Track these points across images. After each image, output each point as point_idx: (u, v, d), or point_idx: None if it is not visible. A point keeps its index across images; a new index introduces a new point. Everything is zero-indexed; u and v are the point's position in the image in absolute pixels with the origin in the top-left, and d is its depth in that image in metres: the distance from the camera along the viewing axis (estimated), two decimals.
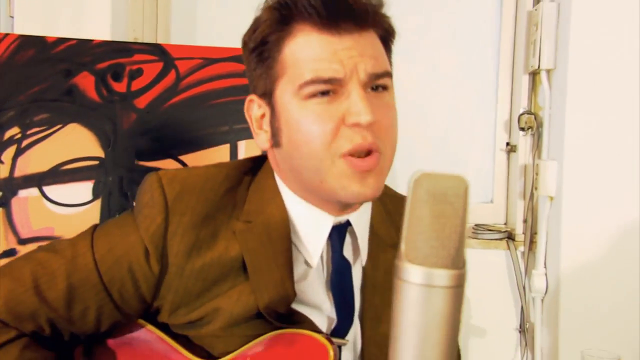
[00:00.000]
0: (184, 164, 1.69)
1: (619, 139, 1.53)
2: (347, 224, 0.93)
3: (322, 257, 0.92)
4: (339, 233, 0.92)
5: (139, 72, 1.64)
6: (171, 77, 1.69)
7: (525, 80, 1.70)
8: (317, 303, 0.91)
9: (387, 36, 0.91)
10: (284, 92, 0.86)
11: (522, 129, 1.69)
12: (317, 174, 0.84)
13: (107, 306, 0.88)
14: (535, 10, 1.65)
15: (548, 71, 1.61)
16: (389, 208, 0.99)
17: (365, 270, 0.94)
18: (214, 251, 0.88)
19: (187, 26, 1.94)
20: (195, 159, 1.69)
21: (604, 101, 1.53)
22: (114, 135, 1.61)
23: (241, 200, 0.91)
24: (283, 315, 0.88)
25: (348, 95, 0.83)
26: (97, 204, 1.59)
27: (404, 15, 1.78)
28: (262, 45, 0.88)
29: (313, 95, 0.83)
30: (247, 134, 1.67)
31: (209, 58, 1.70)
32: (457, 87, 1.81)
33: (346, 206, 0.91)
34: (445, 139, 1.82)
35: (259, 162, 0.97)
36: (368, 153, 0.83)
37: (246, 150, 1.68)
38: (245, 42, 0.92)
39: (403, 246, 0.51)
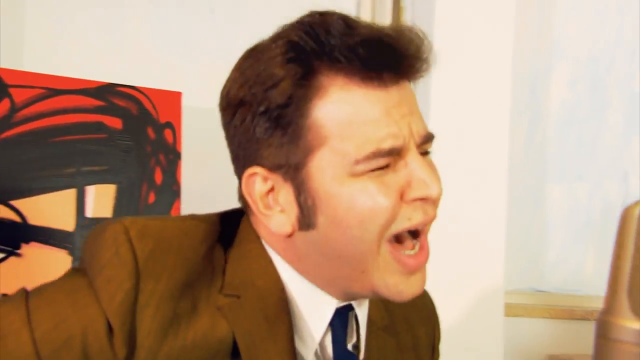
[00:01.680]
0: (17, 211, 1.40)
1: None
2: (349, 308, 0.77)
3: (317, 347, 0.75)
4: (341, 319, 0.76)
5: None
6: (4, 106, 1.40)
7: None
8: None
9: (417, 78, 0.74)
10: (326, 168, 0.68)
11: None
12: (360, 262, 0.69)
13: None
14: None
15: None
16: None
17: None
18: (197, 330, 0.68)
19: (15, 50, 1.65)
20: (32, 205, 1.41)
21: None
22: None
23: (219, 266, 0.72)
24: None
25: (405, 163, 0.69)
26: None
27: None
28: (282, 109, 0.68)
29: (369, 171, 0.67)
30: (97, 178, 1.45)
31: (53, 88, 1.45)
32: None
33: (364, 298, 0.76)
34: None
35: (233, 218, 0.78)
36: (418, 234, 0.71)
37: (96, 196, 1.45)
38: (243, 100, 0.70)
39: (624, 297, 0.46)
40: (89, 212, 1.45)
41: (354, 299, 0.76)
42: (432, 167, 0.71)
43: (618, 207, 2.04)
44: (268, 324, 0.71)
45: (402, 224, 0.69)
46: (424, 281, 0.73)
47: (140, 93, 1.49)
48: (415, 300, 0.89)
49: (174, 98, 1.52)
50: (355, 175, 0.68)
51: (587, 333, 1.82)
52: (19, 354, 0.64)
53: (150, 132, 1.49)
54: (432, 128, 0.73)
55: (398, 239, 0.70)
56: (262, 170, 0.71)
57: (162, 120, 1.50)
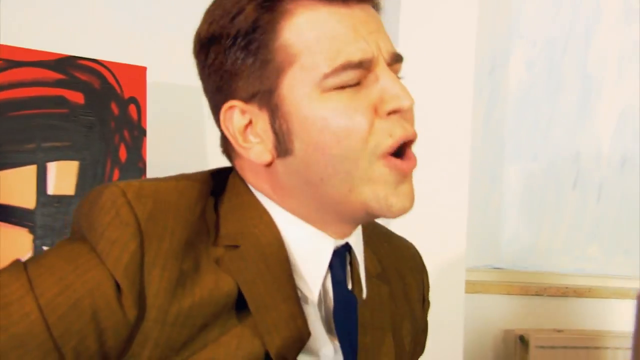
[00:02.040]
0: None
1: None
2: (346, 247, 0.77)
3: (321, 289, 0.75)
4: (340, 259, 0.76)
5: None
6: None
7: None
8: (315, 347, 0.75)
9: (377, 9, 0.76)
10: (296, 87, 0.69)
11: None
12: (347, 180, 0.69)
13: None
14: None
15: None
16: (366, 232, 0.85)
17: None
18: (203, 287, 0.68)
19: None
20: None
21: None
22: None
23: (212, 223, 0.72)
24: None
25: (375, 79, 0.70)
26: None
27: None
28: (251, 34, 0.69)
29: (340, 87, 0.68)
30: (59, 154, 1.41)
31: (11, 60, 1.40)
32: None
33: (354, 226, 0.76)
34: None
35: (223, 176, 0.77)
36: (404, 148, 0.71)
37: (57, 173, 1.41)
38: (214, 35, 0.71)
39: None
40: (51, 190, 1.40)
41: (349, 232, 0.76)
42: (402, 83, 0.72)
43: (570, 186, 2.12)
44: (270, 272, 0.71)
45: (384, 141, 0.69)
46: (412, 195, 0.73)
47: (103, 67, 1.45)
48: (403, 252, 0.92)
49: (139, 73, 1.47)
50: (325, 91, 0.68)
51: (541, 308, 1.90)
52: (24, 323, 0.62)
53: (114, 108, 1.45)
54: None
55: (385, 157, 0.70)
56: (239, 102, 0.71)
57: (127, 95, 1.46)
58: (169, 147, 1.58)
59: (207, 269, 0.69)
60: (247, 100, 0.71)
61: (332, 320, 0.76)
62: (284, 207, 0.74)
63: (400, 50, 0.75)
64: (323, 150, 0.69)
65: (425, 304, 0.94)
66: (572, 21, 2.13)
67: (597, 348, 1.84)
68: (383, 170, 0.70)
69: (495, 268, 1.98)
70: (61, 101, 1.41)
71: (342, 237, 0.76)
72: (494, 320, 1.85)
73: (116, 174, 1.44)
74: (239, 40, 0.70)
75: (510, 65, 2.06)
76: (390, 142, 0.69)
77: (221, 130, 0.75)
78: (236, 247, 0.71)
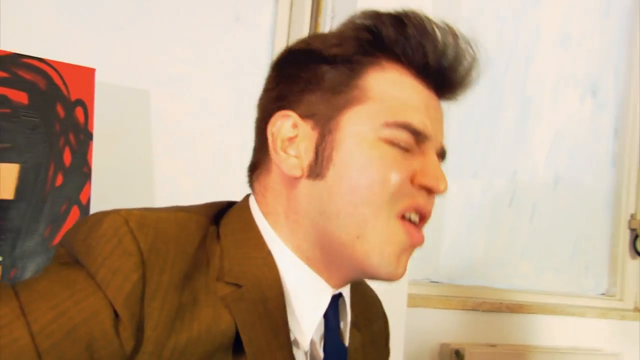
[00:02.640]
0: None
1: None
2: (338, 297, 0.79)
3: (313, 335, 0.75)
4: (334, 308, 0.77)
5: None
6: None
7: None
8: None
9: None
10: (356, 123, 0.73)
11: None
12: (360, 225, 0.71)
13: None
14: None
15: None
16: None
17: None
18: (201, 322, 0.67)
19: None
20: None
21: None
22: None
23: (213, 255, 0.72)
24: None
25: (424, 155, 0.74)
26: None
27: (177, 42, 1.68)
28: (341, 62, 0.74)
29: (393, 142, 0.72)
30: (6, 156, 1.33)
31: None
32: (226, 126, 1.77)
33: (348, 280, 0.77)
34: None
35: (220, 210, 0.78)
36: (418, 223, 0.75)
37: (3, 175, 1.34)
38: (307, 50, 0.76)
39: None
40: None
41: (344, 284, 0.78)
42: None
43: (507, 204, 2.19)
44: (268, 316, 0.71)
45: (405, 201, 0.73)
46: (406, 267, 0.75)
47: (50, 67, 1.38)
48: (368, 299, 0.94)
49: (87, 74, 1.42)
50: (379, 139, 0.72)
51: (476, 323, 1.95)
52: (13, 349, 0.59)
53: (60, 110, 1.39)
54: None
55: (402, 217, 0.74)
56: (295, 115, 0.75)
57: (73, 97, 1.40)
58: (115, 151, 1.53)
59: (206, 302, 0.68)
60: (304, 117, 0.75)
61: None
62: (288, 246, 0.75)
63: None
64: (353, 187, 0.71)
65: (387, 349, 0.96)
66: (514, 43, 2.20)
67: None
68: (398, 229, 0.73)
69: (432, 282, 2.02)
70: (3, 100, 1.34)
71: (338, 287, 0.78)
72: (432, 333, 1.88)
73: (60, 178, 1.38)
74: (328, 61, 0.74)
75: None
76: (409, 202, 0.73)
77: (261, 137, 0.78)
78: (239, 286, 0.70)
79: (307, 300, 0.74)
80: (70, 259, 0.67)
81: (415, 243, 0.74)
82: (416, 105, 0.74)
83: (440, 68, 0.75)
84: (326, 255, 0.75)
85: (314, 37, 0.79)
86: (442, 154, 0.79)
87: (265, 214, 0.76)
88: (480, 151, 2.14)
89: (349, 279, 0.78)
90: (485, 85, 2.16)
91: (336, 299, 0.78)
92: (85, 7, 1.57)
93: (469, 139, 2.12)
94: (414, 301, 1.83)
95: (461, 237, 2.10)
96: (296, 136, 0.75)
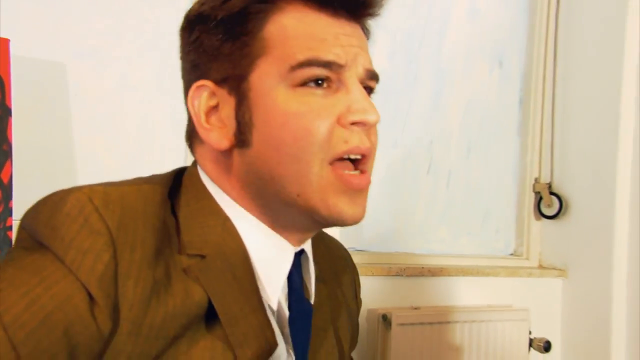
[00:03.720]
0: None
1: None
2: (300, 254, 0.78)
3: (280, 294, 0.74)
4: (296, 267, 0.76)
5: None
6: None
7: None
8: (276, 356, 0.73)
9: (367, 35, 0.78)
10: (266, 76, 0.69)
11: None
12: (296, 183, 0.69)
13: None
14: None
15: None
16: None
17: None
18: (175, 296, 0.65)
19: None
20: None
21: None
22: None
23: (172, 228, 0.69)
24: None
25: (347, 90, 0.70)
26: None
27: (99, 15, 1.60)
28: (238, 17, 0.69)
29: (306, 82, 0.68)
30: None
31: None
32: (149, 101, 1.71)
33: (308, 233, 0.76)
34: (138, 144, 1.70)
35: (174, 179, 0.75)
36: (358, 164, 0.72)
37: None
38: (202, 14, 0.71)
39: None
40: None
41: (304, 239, 0.77)
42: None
43: (424, 172, 2.27)
44: (237, 282, 0.70)
45: (338, 147, 0.69)
46: (364, 207, 0.73)
47: None
48: (336, 252, 0.94)
49: (1, 46, 1.33)
50: (291, 87, 0.69)
51: (401, 288, 2.02)
52: None
53: None
54: None
55: (334, 163, 0.70)
56: (210, 83, 0.72)
57: None
58: (36, 127, 1.45)
59: (177, 277, 0.67)
60: (219, 83, 0.71)
61: (286, 327, 0.76)
62: (243, 206, 0.73)
63: None
64: (278, 147, 0.69)
65: (358, 301, 0.97)
66: (427, 17, 2.26)
67: (448, 322, 1.99)
68: (331, 178, 0.70)
69: (358, 250, 2.06)
70: None
71: (299, 244, 0.77)
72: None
73: None
74: (224, 22, 0.70)
75: (375, 54, 2.14)
76: (343, 148, 0.70)
77: (187, 111, 0.74)
78: (202, 256, 0.69)
79: (271, 261, 0.73)
80: (33, 242, 0.64)
81: (355, 187, 0.71)
82: (322, 38, 0.70)
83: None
84: (279, 214, 0.73)
85: None
86: (372, 77, 0.75)
87: (214, 180, 0.74)
88: (400, 121, 2.20)
89: (308, 233, 0.77)
90: (403, 57, 2.22)
91: (298, 255, 0.77)
92: None
93: (389, 110, 2.16)
94: None
95: (383, 206, 2.16)
96: (217, 104, 0.72)
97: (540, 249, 2.46)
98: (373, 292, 1.95)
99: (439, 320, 1.98)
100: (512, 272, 2.28)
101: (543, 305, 2.30)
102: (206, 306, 0.68)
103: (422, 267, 2.05)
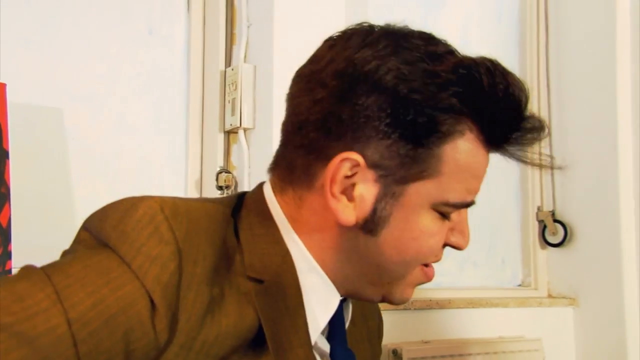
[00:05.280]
0: None
1: None
2: (344, 300, 0.81)
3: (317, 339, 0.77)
4: (340, 311, 0.79)
5: None
6: None
7: (220, 139, 1.73)
8: None
9: None
10: (422, 196, 0.72)
11: (220, 188, 1.70)
12: (391, 277, 0.77)
13: None
14: (232, 70, 1.72)
15: (245, 130, 1.69)
16: None
17: None
18: (229, 317, 0.66)
19: None
20: None
21: None
22: None
23: (233, 250, 0.70)
24: None
25: (458, 212, 0.78)
26: None
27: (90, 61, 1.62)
28: (426, 115, 0.69)
29: (443, 213, 0.75)
30: None
31: None
32: (147, 143, 1.71)
33: None
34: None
35: (236, 202, 0.77)
36: None
37: None
38: (384, 79, 0.68)
39: None
40: None
41: (352, 296, 0.80)
42: None
43: None
44: (289, 314, 0.70)
45: (431, 258, 0.79)
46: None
47: None
48: None
49: None
50: (431, 209, 0.73)
51: (409, 322, 1.98)
52: (49, 337, 0.56)
53: None
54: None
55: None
56: (362, 160, 0.70)
57: None
58: (33, 170, 1.45)
59: (231, 298, 0.67)
60: (372, 165, 0.70)
61: None
62: (309, 251, 0.74)
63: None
64: (400, 252, 0.74)
65: (380, 342, 0.98)
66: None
67: (461, 355, 1.95)
68: (418, 274, 0.79)
69: None
70: None
71: (345, 296, 0.80)
72: None
73: None
74: (410, 105, 0.67)
75: None
76: (433, 260, 0.79)
77: (289, 163, 0.74)
78: (261, 281, 0.70)
79: (318, 303, 0.75)
80: (97, 243, 0.65)
81: (430, 279, 0.82)
82: (479, 177, 0.76)
83: (515, 142, 0.76)
84: (350, 279, 0.77)
85: (404, 60, 0.68)
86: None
87: (292, 220, 0.75)
88: None
89: (357, 297, 0.82)
90: None
91: (341, 302, 0.80)
92: None
93: None
94: None
95: None
96: (354, 176, 0.71)
97: (548, 278, 2.43)
98: None
99: (450, 354, 1.94)
100: (522, 302, 2.24)
101: (555, 335, 2.25)
102: (256, 331, 0.69)
103: (430, 300, 2.02)
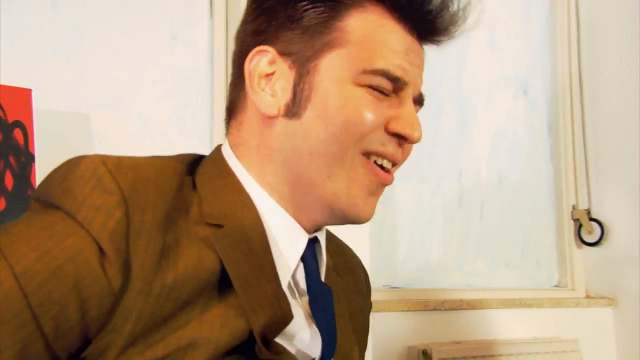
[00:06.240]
0: None
1: None
2: (314, 240, 0.79)
3: (290, 279, 0.76)
4: (312, 252, 0.78)
5: None
6: None
7: None
8: (292, 331, 0.73)
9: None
10: (335, 67, 0.72)
11: None
12: (329, 164, 0.72)
13: (33, 346, 0.59)
14: None
15: None
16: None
17: None
18: (186, 261, 0.66)
19: None
20: None
21: None
22: None
23: (190, 202, 0.71)
24: (269, 344, 0.70)
25: (400, 103, 0.74)
26: None
27: (112, 66, 1.65)
28: (320, 2, 0.72)
29: (370, 86, 0.72)
30: None
31: None
32: (171, 147, 1.74)
33: (321, 223, 0.78)
34: None
35: (192, 160, 0.77)
36: (388, 170, 0.75)
37: None
38: None
39: None
40: None
41: (318, 228, 0.78)
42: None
43: (456, 205, 2.23)
44: (253, 254, 0.70)
45: (375, 145, 0.73)
46: (375, 209, 0.76)
47: None
48: (347, 251, 0.95)
49: (24, 95, 1.37)
50: (356, 83, 0.72)
51: (439, 322, 1.95)
52: (1, 292, 0.57)
53: None
54: None
55: (367, 156, 0.74)
56: (273, 51, 0.74)
57: (11, 119, 1.34)
58: None
59: (189, 244, 0.67)
60: (282, 54, 0.74)
61: (307, 308, 0.76)
62: (264, 188, 0.75)
63: None
64: (327, 126, 0.72)
65: (369, 300, 0.96)
66: (446, 47, 2.26)
67: (492, 356, 1.91)
68: (361, 171, 0.73)
69: (393, 288, 2.01)
70: None
71: (313, 232, 0.78)
72: (397, 337, 1.87)
73: (2, 202, 1.31)
74: (305, 2, 0.73)
75: None
76: (379, 149, 0.74)
77: (238, 71, 0.77)
78: (220, 226, 0.70)
79: (284, 243, 0.74)
80: (42, 207, 0.66)
81: (383, 181, 0.75)
82: (396, 50, 0.73)
83: (424, 12, 0.74)
84: (295, 194, 0.75)
85: None
86: (419, 101, 0.79)
87: (237, 148, 0.77)
88: (426, 155, 2.18)
89: (319, 222, 0.78)
90: (424, 91, 2.21)
91: (312, 243, 0.78)
92: (21, 30, 1.53)
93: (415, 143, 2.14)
94: (377, 306, 1.81)
95: (416, 242, 2.11)
96: (273, 73, 0.75)
97: (585, 278, 2.36)
98: (411, 328, 1.89)
99: (482, 354, 1.90)
100: (557, 302, 2.19)
101: (593, 336, 2.19)
102: (219, 273, 0.68)
103: (461, 300, 1.99)
